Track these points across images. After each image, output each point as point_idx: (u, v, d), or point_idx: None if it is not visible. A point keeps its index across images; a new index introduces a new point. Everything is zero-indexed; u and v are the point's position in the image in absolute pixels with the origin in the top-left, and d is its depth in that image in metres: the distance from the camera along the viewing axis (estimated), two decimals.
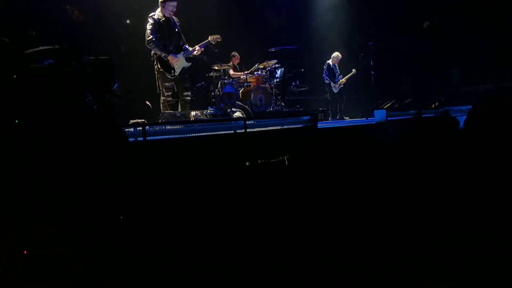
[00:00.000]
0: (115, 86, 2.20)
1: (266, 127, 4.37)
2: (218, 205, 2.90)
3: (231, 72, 7.67)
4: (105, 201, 1.94)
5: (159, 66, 5.50)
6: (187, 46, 5.67)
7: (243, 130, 3.94)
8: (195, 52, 5.68)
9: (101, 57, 2.13)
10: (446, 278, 1.98)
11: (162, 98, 5.62)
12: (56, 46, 1.96)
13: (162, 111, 5.57)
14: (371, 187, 2.90)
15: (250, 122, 4.39)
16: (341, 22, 10.15)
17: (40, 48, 1.91)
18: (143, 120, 4.63)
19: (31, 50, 1.90)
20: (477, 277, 1.95)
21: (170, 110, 5.55)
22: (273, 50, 8.49)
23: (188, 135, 3.63)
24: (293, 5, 10.14)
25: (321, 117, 8.28)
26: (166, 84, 5.54)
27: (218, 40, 6.06)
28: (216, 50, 6.38)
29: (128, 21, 7.80)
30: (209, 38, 5.98)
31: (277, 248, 2.45)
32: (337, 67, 9.29)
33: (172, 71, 5.50)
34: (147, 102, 6.56)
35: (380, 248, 2.27)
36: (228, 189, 3.18)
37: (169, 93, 5.58)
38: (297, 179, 3.66)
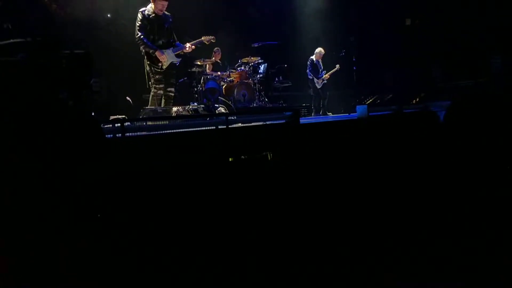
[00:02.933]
0: (91, 81, 2.15)
1: (248, 122, 4.36)
2: (201, 201, 2.88)
3: (207, 70, 7.62)
4: (82, 199, 1.89)
5: (146, 60, 5.46)
6: (178, 43, 5.62)
7: (225, 126, 3.92)
8: (186, 50, 5.64)
9: (76, 51, 2.07)
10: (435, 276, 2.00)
11: (153, 91, 5.56)
12: (29, 39, 1.89)
13: (149, 105, 5.51)
14: (354, 182, 2.92)
15: (232, 118, 4.36)
16: (324, 17, 10.17)
17: (12, 40, 1.84)
18: (123, 116, 4.56)
19: (2, 43, 1.83)
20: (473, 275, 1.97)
21: (159, 104, 5.50)
22: (256, 46, 8.45)
23: (169, 131, 3.59)
24: (276, 0, 10.11)
25: (304, 112, 8.30)
26: (157, 76, 5.49)
27: (213, 41, 6.01)
28: (199, 45, 6.31)
29: (109, 15, 7.65)
30: (202, 38, 5.92)
31: (260, 244, 2.44)
32: (321, 63, 9.32)
33: (159, 64, 5.46)
34: (128, 98, 6.46)
35: (363, 243, 2.28)
36: (211, 185, 3.16)
37: (161, 86, 5.51)
38: (280, 174, 3.66)
